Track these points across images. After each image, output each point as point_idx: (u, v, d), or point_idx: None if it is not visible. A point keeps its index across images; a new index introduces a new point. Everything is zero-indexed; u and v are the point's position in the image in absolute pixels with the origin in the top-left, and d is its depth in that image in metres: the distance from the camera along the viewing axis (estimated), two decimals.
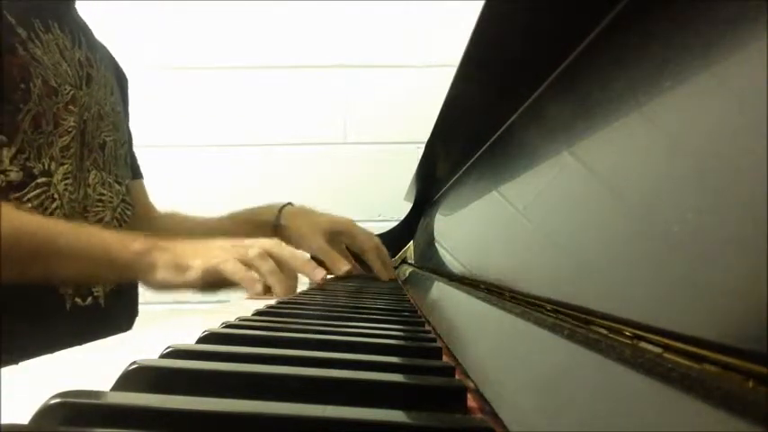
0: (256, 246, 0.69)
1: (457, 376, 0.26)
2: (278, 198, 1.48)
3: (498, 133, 0.53)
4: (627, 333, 0.18)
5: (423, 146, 0.85)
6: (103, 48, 0.93)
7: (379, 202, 1.47)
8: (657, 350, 0.16)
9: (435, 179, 1.00)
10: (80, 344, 0.34)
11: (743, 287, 0.13)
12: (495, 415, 0.21)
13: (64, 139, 0.74)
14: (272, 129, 1.49)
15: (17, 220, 0.63)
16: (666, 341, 0.15)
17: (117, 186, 0.85)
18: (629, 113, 0.24)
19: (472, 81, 0.50)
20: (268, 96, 1.49)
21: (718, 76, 0.18)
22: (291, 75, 1.49)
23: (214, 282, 0.68)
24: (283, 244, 0.72)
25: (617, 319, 0.19)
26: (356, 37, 1.49)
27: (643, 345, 0.17)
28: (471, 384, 0.26)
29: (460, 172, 0.76)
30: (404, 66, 1.48)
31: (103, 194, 0.82)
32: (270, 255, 0.69)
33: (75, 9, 0.85)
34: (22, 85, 0.69)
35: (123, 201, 0.87)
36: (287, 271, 0.69)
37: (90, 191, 0.79)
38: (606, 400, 0.16)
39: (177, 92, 1.48)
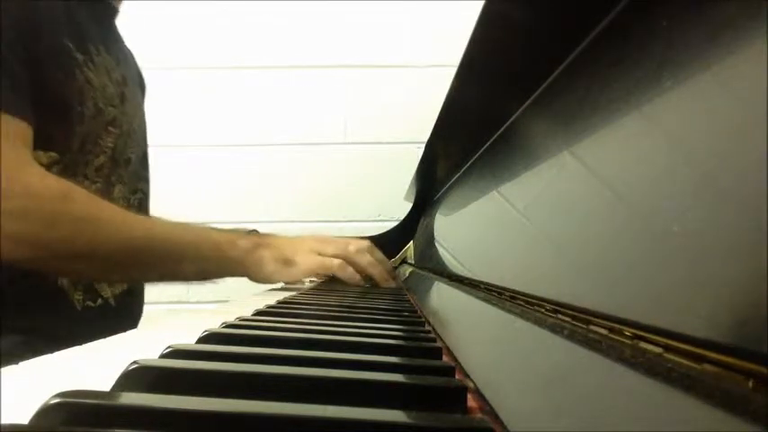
0: (353, 243, 0.80)
1: (457, 376, 0.26)
2: (278, 198, 1.49)
3: (498, 133, 0.53)
4: (627, 333, 0.18)
5: (423, 146, 0.85)
6: (131, 56, 0.96)
7: (379, 202, 1.47)
8: (657, 350, 0.16)
9: (435, 179, 1.00)
10: (91, 341, 0.35)
11: (743, 287, 0.13)
12: (495, 415, 0.21)
13: (99, 159, 0.78)
14: (272, 129, 1.49)
15: (145, 224, 0.71)
16: (666, 341, 0.15)
17: (130, 200, 0.89)
18: (629, 113, 0.24)
19: (472, 81, 0.50)
20: (268, 96, 1.49)
21: (718, 76, 0.18)
22: (291, 75, 1.49)
23: (314, 274, 0.78)
24: (373, 246, 0.84)
25: (617, 319, 0.19)
26: (356, 37, 1.49)
27: (643, 345, 0.17)
28: (471, 384, 0.26)
29: (460, 172, 0.76)
30: (404, 66, 1.48)
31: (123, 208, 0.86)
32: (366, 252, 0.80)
33: (115, 26, 0.89)
34: (78, 108, 0.73)
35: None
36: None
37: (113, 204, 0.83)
38: (606, 400, 0.16)
39: (177, 92, 1.48)
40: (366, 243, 0.82)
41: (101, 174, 0.78)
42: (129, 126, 0.86)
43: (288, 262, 0.75)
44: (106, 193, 0.80)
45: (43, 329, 0.69)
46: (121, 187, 0.85)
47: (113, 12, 0.87)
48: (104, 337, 0.37)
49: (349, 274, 0.77)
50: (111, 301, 0.80)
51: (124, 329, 0.42)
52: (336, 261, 0.76)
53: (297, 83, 1.50)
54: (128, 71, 0.88)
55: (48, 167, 0.69)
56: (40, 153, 0.69)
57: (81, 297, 0.75)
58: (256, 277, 0.76)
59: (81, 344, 0.34)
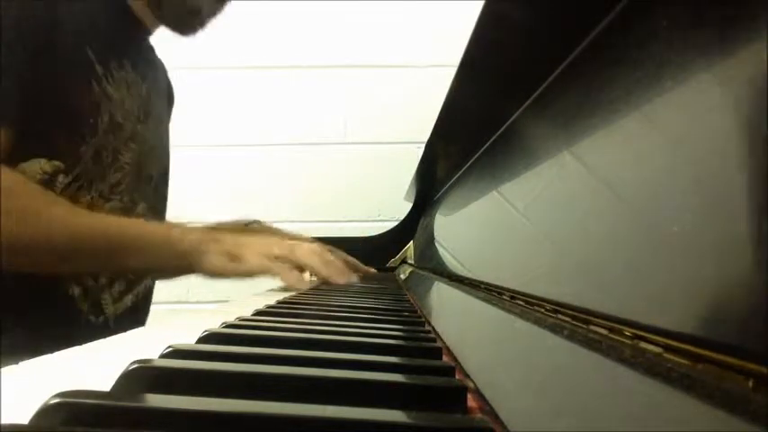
0: (305, 245, 0.78)
1: (457, 376, 0.26)
2: (278, 198, 1.49)
3: (498, 133, 0.53)
4: (627, 333, 0.18)
5: (423, 146, 0.85)
6: (161, 66, 0.97)
7: (379, 202, 1.47)
8: (657, 350, 0.16)
9: (435, 179, 1.00)
10: None
11: (742, 287, 0.13)
12: (495, 415, 0.21)
13: (116, 175, 0.78)
14: (272, 129, 1.49)
15: (90, 219, 0.69)
16: (666, 341, 0.15)
17: (150, 215, 0.89)
18: (629, 113, 0.24)
19: (472, 81, 0.50)
20: (268, 96, 1.49)
21: (718, 76, 0.18)
22: (291, 75, 1.49)
23: (266, 271, 0.75)
24: (327, 248, 0.81)
25: (617, 319, 0.19)
26: (356, 37, 1.49)
27: (643, 345, 0.17)
28: (471, 384, 0.26)
29: (460, 172, 0.76)
30: (404, 66, 1.48)
31: None
32: (315, 254, 0.77)
33: (147, 41, 0.89)
34: (91, 120, 0.73)
35: None
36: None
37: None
38: (606, 400, 0.16)
39: (177, 92, 1.48)
40: (314, 245, 0.80)
41: (117, 191, 0.78)
42: (152, 142, 0.86)
43: (234, 258, 0.74)
44: (129, 212, 0.81)
45: (47, 332, 0.70)
46: (145, 204, 0.86)
47: (146, 31, 0.87)
48: None
49: (294, 279, 0.75)
50: (111, 323, 0.80)
51: None
52: (280, 267, 0.74)
53: (297, 83, 1.50)
54: (155, 86, 0.88)
55: (52, 176, 0.69)
56: (43, 161, 0.69)
57: (86, 309, 0.76)
58: (201, 270, 0.75)
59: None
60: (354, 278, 0.83)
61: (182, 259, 0.74)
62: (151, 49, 0.91)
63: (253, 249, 0.74)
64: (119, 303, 0.82)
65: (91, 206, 0.74)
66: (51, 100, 0.69)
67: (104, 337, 0.82)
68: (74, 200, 0.72)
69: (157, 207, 0.92)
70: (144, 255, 0.72)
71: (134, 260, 0.71)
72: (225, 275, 0.75)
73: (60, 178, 0.70)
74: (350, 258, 1.06)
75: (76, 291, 0.75)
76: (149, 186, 0.87)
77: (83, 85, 0.71)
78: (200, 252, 0.74)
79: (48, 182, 0.69)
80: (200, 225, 0.85)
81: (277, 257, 0.75)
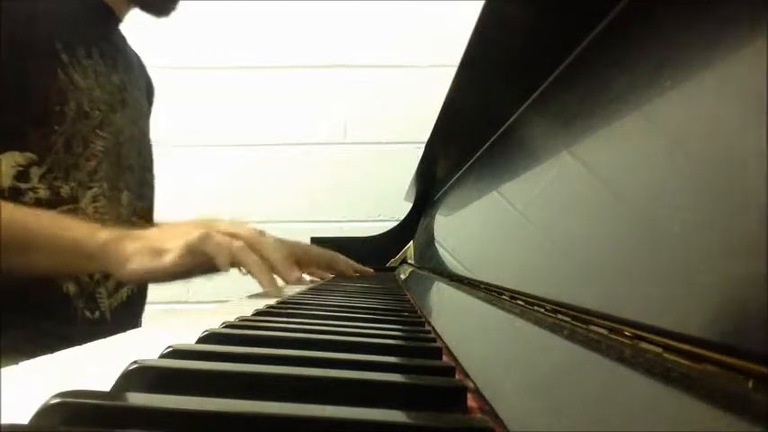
0: (229, 231, 0.65)
1: (457, 376, 0.26)
2: (278, 198, 1.49)
3: (498, 133, 0.53)
4: (627, 333, 0.18)
5: (423, 146, 0.85)
6: (138, 60, 0.95)
7: (379, 202, 1.47)
8: (657, 350, 0.16)
9: (435, 179, 1.00)
10: None
11: (743, 287, 0.13)
12: (495, 415, 0.21)
13: (91, 163, 0.76)
14: (272, 129, 1.49)
15: None
16: (666, 341, 0.15)
17: (138, 204, 0.88)
18: (629, 113, 0.24)
19: (472, 81, 0.50)
20: (268, 96, 1.49)
21: (718, 76, 0.18)
22: (291, 75, 1.49)
23: (194, 263, 0.64)
24: (264, 233, 0.69)
25: (617, 319, 0.19)
26: (356, 37, 1.49)
27: (643, 345, 0.17)
28: (471, 384, 0.26)
29: (460, 172, 0.76)
30: (404, 66, 1.48)
31: (130, 218, 0.85)
32: (242, 239, 0.65)
33: (119, 30, 0.88)
34: (57, 108, 0.71)
35: (133, 223, 0.88)
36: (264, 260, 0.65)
37: (123, 210, 0.82)
38: (606, 400, 0.16)
39: (177, 92, 1.48)
40: (243, 230, 0.67)
41: (96, 177, 0.77)
42: (129, 132, 0.85)
43: (156, 252, 0.63)
44: (113, 200, 0.79)
45: (44, 332, 0.69)
46: (129, 194, 0.84)
47: (116, 19, 0.87)
48: None
49: (213, 246, 0.63)
50: (108, 315, 0.79)
51: None
52: (208, 240, 0.63)
53: (297, 83, 1.50)
54: (130, 78, 0.87)
55: (26, 168, 0.69)
56: (16, 153, 0.68)
57: (82, 306, 0.75)
58: (117, 272, 0.66)
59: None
60: (294, 276, 0.68)
61: (93, 260, 0.65)
62: (123, 39, 0.90)
63: (175, 238, 0.64)
64: (114, 297, 0.81)
65: (73, 196, 0.73)
66: (19, 91, 0.68)
67: (102, 331, 0.79)
68: (53, 190, 0.71)
69: (144, 197, 0.90)
70: (50, 254, 0.65)
71: (39, 259, 0.65)
72: (150, 277, 0.67)
73: (34, 170, 0.69)
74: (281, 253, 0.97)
75: (72, 288, 0.74)
76: (132, 176, 0.85)
77: (48, 73, 0.71)
78: (114, 252, 0.64)
79: (23, 174, 0.69)
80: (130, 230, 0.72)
81: (197, 238, 0.63)
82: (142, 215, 0.89)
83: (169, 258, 0.63)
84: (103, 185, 0.78)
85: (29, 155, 0.69)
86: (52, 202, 0.71)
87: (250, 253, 0.64)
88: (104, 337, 0.62)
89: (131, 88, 0.87)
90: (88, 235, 0.65)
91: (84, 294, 0.76)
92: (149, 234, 0.67)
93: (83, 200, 0.74)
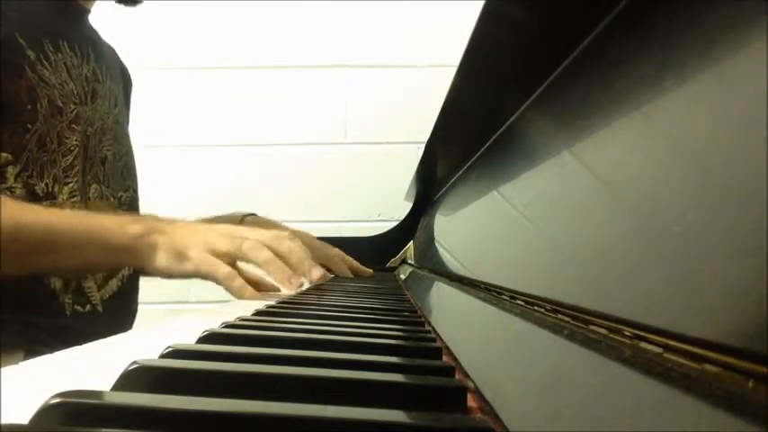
0: (252, 237, 0.66)
1: (457, 376, 0.26)
2: (278, 198, 1.49)
3: (498, 133, 0.53)
4: (627, 333, 0.18)
5: (423, 146, 0.85)
6: (111, 51, 0.93)
7: (379, 202, 1.47)
8: (657, 350, 0.16)
9: (435, 179, 1.00)
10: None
11: (743, 287, 0.13)
12: (495, 415, 0.21)
13: (67, 158, 0.74)
14: (272, 129, 1.49)
15: (15, 212, 0.62)
16: (666, 341, 0.15)
17: (111, 199, 0.85)
18: (629, 113, 0.24)
19: (472, 81, 0.50)
20: (268, 96, 1.49)
21: (718, 76, 0.18)
22: (291, 75, 1.49)
23: (211, 274, 0.65)
24: (288, 236, 0.69)
25: (617, 319, 0.19)
26: (356, 37, 1.49)
27: (643, 345, 0.17)
28: (471, 384, 0.26)
29: (460, 172, 0.76)
30: (404, 66, 1.48)
31: (101, 208, 0.82)
32: (268, 247, 0.65)
33: (87, 20, 0.86)
34: (29, 106, 0.70)
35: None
36: (289, 264, 0.66)
37: (90, 204, 0.80)
38: (606, 400, 0.16)
39: (177, 92, 1.48)
40: (268, 236, 0.67)
41: (72, 173, 0.75)
42: (101, 123, 0.82)
43: (180, 256, 0.64)
44: (81, 193, 0.77)
45: (35, 330, 0.68)
46: (98, 186, 0.81)
47: (82, 10, 0.84)
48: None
49: (237, 287, 0.64)
50: (99, 308, 0.77)
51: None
52: (224, 271, 0.64)
53: (297, 83, 1.50)
54: (101, 67, 0.84)
55: (2, 167, 0.67)
56: None
57: (71, 301, 0.74)
58: (148, 268, 0.66)
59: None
60: (300, 283, 0.68)
61: (124, 254, 0.65)
62: (93, 30, 0.87)
63: (199, 245, 0.64)
64: (105, 288, 0.79)
65: (49, 193, 0.72)
66: None
67: (95, 324, 0.77)
68: (29, 188, 0.69)
69: (127, 187, 0.87)
70: (78, 250, 0.63)
71: (68, 257, 0.63)
72: (170, 276, 0.67)
73: (10, 169, 0.68)
74: (336, 253, 0.99)
75: (57, 284, 0.72)
76: (103, 168, 0.82)
77: (16, 73, 0.69)
78: (145, 247, 0.64)
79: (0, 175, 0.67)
80: (150, 215, 0.73)
81: (224, 254, 0.64)
82: (126, 207, 0.87)
83: (189, 267, 0.64)
84: (79, 181, 0.76)
85: (4, 155, 0.68)
86: (29, 201, 0.69)
87: (274, 263, 0.65)
88: (98, 330, 0.60)
89: (104, 78, 0.84)
90: (117, 230, 0.65)
91: (70, 289, 0.74)
92: (176, 231, 0.66)
93: (60, 196, 0.73)
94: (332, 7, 1.49)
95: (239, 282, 0.65)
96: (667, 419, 0.13)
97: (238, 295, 0.65)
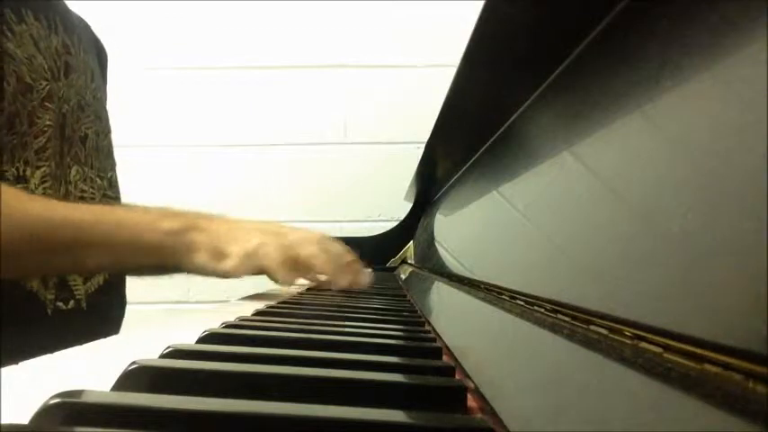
0: (299, 235, 0.65)
1: (457, 376, 0.26)
2: (278, 198, 1.49)
3: (498, 133, 0.53)
4: (627, 333, 0.18)
5: (423, 146, 0.85)
6: (81, 22, 0.85)
7: (379, 202, 1.47)
8: (657, 350, 0.16)
9: (435, 179, 1.00)
10: (62, 349, 0.32)
11: (743, 287, 0.13)
12: (495, 415, 0.21)
13: (39, 140, 0.67)
14: (272, 129, 1.49)
15: (42, 210, 0.58)
16: (666, 341, 0.15)
17: (99, 181, 0.78)
18: (630, 113, 0.24)
19: (472, 81, 0.50)
20: (268, 96, 1.49)
21: (718, 76, 0.18)
22: (291, 75, 1.49)
23: (248, 272, 0.63)
24: (328, 237, 0.68)
25: (617, 319, 0.19)
26: (356, 37, 1.49)
27: (643, 345, 0.17)
28: (471, 384, 0.26)
29: (460, 172, 0.76)
30: (404, 66, 1.48)
31: (85, 191, 0.76)
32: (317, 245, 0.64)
33: None
34: None
35: (105, 195, 0.80)
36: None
37: (71, 188, 0.73)
38: (606, 400, 0.16)
39: (177, 92, 1.48)
40: (314, 234, 0.66)
41: (45, 156, 0.68)
42: (79, 99, 0.75)
43: (219, 255, 0.61)
44: (59, 177, 0.70)
45: (18, 335, 0.60)
46: (80, 168, 0.74)
47: None
48: (80, 343, 0.34)
49: (284, 277, 0.62)
50: (83, 303, 0.71)
51: (101, 335, 0.38)
52: (271, 259, 0.61)
53: (297, 83, 1.50)
54: (71, 38, 0.76)
55: None
56: None
57: (53, 297, 0.67)
58: (186, 267, 0.63)
59: (55, 351, 0.31)
60: (366, 279, 0.69)
61: (158, 253, 0.61)
62: (60, 1, 0.79)
63: (238, 243, 0.62)
64: (90, 282, 0.73)
65: (20, 177, 0.65)
66: None
67: (79, 321, 0.69)
68: None
69: (101, 169, 0.79)
70: (110, 247, 0.59)
71: (98, 255, 0.59)
72: (206, 275, 0.64)
73: None
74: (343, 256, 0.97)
75: (35, 284, 0.66)
76: (83, 148, 0.75)
77: None
78: (182, 245, 0.61)
79: None
80: (184, 210, 0.67)
81: (266, 253, 0.62)
82: (105, 187, 0.80)
83: (228, 265, 0.61)
84: (52, 164, 0.68)
85: None
86: None
87: (324, 257, 0.64)
88: (82, 330, 0.57)
89: (76, 51, 0.76)
90: (151, 225, 0.61)
91: (50, 285, 0.68)
92: (214, 228, 0.63)
93: (32, 181, 0.66)
94: (332, 7, 1.49)
95: (291, 273, 0.63)
96: (667, 419, 0.13)
97: (287, 285, 0.63)
